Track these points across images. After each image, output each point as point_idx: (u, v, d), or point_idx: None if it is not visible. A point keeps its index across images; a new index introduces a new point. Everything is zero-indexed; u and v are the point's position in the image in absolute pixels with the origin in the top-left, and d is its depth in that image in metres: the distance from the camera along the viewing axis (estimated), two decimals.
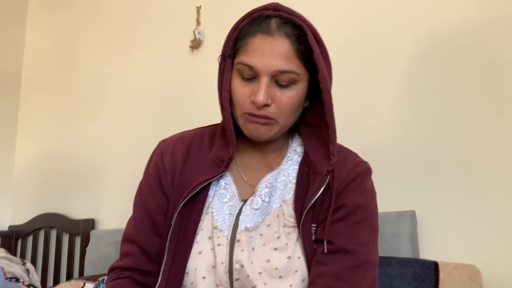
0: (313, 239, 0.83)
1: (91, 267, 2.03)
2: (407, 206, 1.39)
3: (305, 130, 0.92)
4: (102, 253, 2.00)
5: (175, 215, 0.85)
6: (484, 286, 1.20)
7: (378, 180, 0.91)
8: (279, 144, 0.92)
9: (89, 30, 2.51)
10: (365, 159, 0.91)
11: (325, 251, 0.80)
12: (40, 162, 2.59)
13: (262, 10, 0.83)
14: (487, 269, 1.23)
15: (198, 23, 2.03)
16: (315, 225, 0.83)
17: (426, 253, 1.34)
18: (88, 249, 2.09)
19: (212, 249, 0.84)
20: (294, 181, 0.88)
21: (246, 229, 0.85)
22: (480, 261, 1.24)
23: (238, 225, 0.85)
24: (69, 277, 2.22)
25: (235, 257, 0.82)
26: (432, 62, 1.48)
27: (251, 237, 0.84)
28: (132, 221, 0.93)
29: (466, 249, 1.30)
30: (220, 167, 0.88)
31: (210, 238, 0.85)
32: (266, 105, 0.81)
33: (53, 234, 2.38)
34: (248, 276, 0.80)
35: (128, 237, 0.92)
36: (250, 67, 0.81)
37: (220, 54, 0.87)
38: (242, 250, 0.82)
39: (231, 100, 0.86)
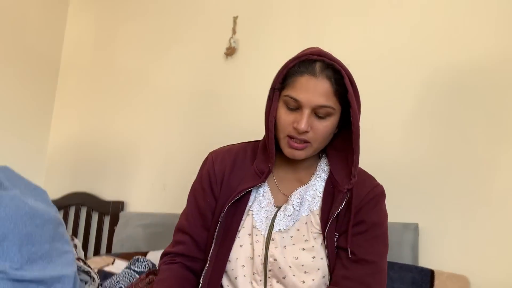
0: (335, 245, 1.02)
1: (119, 245, 2.23)
2: (412, 219, 1.57)
3: (332, 153, 1.12)
4: (130, 233, 2.20)
5: (223, 213, 1.05)
6: None
7: (388, 194, 1.09)
8: (310, 163, 1.12)
9: (129, 25, 2.66)
10: (376, 175, 1.09)
11: (349, 255, 0.98)
12: (73, 144, 2.76)
13: (309, 54, 1.02)
14: (476, 278, 1.42)
15: (234, 32, 2.20)
16: (337, 234, 1.03)
17: (425, 262, 1.52)
18: (117, 228, 2.28)
19: (251, 244, 1.03)
20: (321, 195, 1.07)
21: (280, 230, 1.04)
22: (471, 272, 1.43)
23: (273, 227, 1.04)
24: (97, 253, 2.41)
25: (270, 252, 1.02)
26: (442, 95, 1.65)
27: (283, 237, 1.03)
28: (185, 215, 1.14)
29: (460, 260, 1.48)
30: (261, 178, 1.07)
31: (250, 235, 1.04)
32: (306, 132, 1.00)
33: (83, 212, 2.56)
34: (280, 268, 1.00)
35: (182, 228, 1.13)
36: (295, 100, 1.00)
37: (270, 86, 1.07)
38: (275, 247, 1.02)
39: (274, 124, 1.05)
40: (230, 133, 2.14)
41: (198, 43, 2.34)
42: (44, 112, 2.89)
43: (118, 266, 1.91)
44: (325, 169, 1.12)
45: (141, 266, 1.63)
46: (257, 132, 2.03)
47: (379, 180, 1.11)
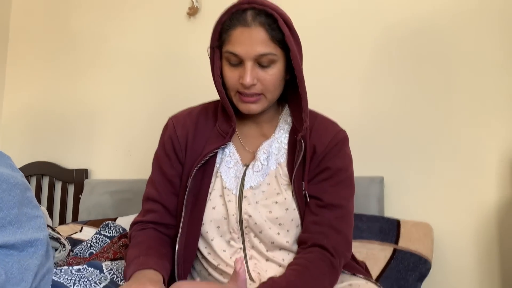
0: (304, 193, 1.03)
1: (85, 213, 2.19)
2: (377, 173, 1.63)
3: (293, 102, 1.10)
4: (97, 201, 2.17)
5: (190, 178, 1.04)
6: (434, 239, 1.47)
7: (353, 149, 1.11)
8: (271, 115, 1.11)
9: None
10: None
11: (320, 201, 1.01)
12: (29, 112, 2.64)
13: (239, 4, 0.99)
14: (438, 225, 1.50)
15: None
16: (304, 182, 1.03)
17: (390, 213, 1.59)
18: (82, 196, 2.24)
19: (223, 204, 1.03)
20: (286, 147, 1.07)
21: (251, 187, 1.04)
22: (433, 219, 1.51)
23: (244, 185, 1.04)
24: (62, 222, 2.36)
25: (243, 209, 1.02)
26: (400, 47, 1.69)
27: (255, 193, 1.04)
28: (152, 184, 1.12)
29: (422, 210, 1.56)
30: (225, 138, 1.06)
31: (221, 196, 1.04)
32: (253, 85, 0.99)
33: (45, 181, 2.49)
34: (255, 223, 1.01)
35: (151, 197, 1.11)
36: (235, 55, 0.98)
37: (209, 45, 1.04)
38: (249, 204, 1.02)
39: (223, 84, 1.04)
40: (194, 95, 2.09)
41: (159, 3, 2.26)
42: None
43: (86, 234, 1.89)
44: (288, 120, 1.11)
45: (112, 231, 1.61)
46: None
47: None
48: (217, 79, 1.03)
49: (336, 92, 1.75)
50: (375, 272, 1.29)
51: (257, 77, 0.99)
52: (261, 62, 0.98)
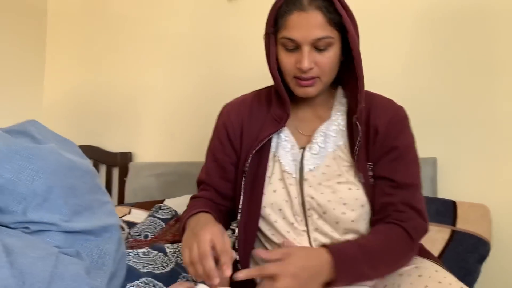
0: (370, 175, 1.03)
1: (131, 195, 2.24)
2: (430, 154, 1.60)
3: (348, 83, 1.10)
4: (143, 183, 2.21)
5: (247, 163, 1.06)
6: (492, 221, 1.45)
7: None
8: (325, 98, 1.12)
9: None
10: None
11: (393, 182, 1.02)
12: (71, 97, 2.69)
13: None
14: (495, 206, 1.48)
15: None
16: (371, 164, 1.04)
17: (444, 194, 1.57)
18: (128, 179, 2.28)
19: (283, 188, 1.05)
20: (344, 129, 1.08)
21: (310, 170, 1.05)
22: (490, 200, 1.48)
23: (303, 167, 1.05)
24: None
25: (305, 192, 1.03)
26: (442, 25, 1.64)
27: (315, 176, 1.05)
28: (205, 170, 1.16)
29: (479, 192, 1.53)
30: (280, 123, 1.08)
31: (281, 179, 1.06)
32: (310, 68, 0.99)
33: None
34: (319, 204, 1.02)
35: (202, 181, 1.16)
36: (292, 40, 0.99)
37: (264, 32, 1.05)
38: (310, 186, 1.04)
39: (278, 69, 1.05)
40: (235, 78, 2.11)
41: None
42: (36, 63, 2.78)
43: (136, 216, 1.94)
44: (342, 101, 1.11)
45: (165, 213, 1.65)
46: (264, 76, 2.00)
47: None
48: (273, 65, 1.04)
49: (381, 73, 1.71)
50: (433, 254, 1.29)
51: (314, 60, 0.99)
52: (318, 46, 0.98)
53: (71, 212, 0.93)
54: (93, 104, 2.59)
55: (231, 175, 1.12)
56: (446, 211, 1.42)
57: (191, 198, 1.17)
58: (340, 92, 1.13)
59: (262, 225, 1.07)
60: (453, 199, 1.50)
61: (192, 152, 2.21)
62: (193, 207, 1.07)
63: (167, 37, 2.34)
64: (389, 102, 1.10)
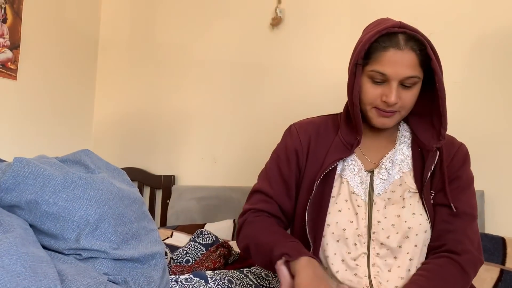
0: (432, 203, 1.08)
1: (174, 218, 2.29)
2: (477, 187, 1.55)
3: (414, 117, 1.16)
4: (185, 206, 2.26)
5: (317, 182, 1.11)
6: None
7: None
8: (391, 131, 1.18)
9: None
10: None
11: (454, 210, 1.06)
12: (119, 120, 2.81)
13: (389, 27, 1.03)
14: None
15: (279, 1, 2.15)
16: (433, 192, 1.09)
17: (491, 229, 1.52)
18: (170, 201, 2.34)
19: (349, 208, 1.09)
20: (410, 158, 1.13)
21: (379, 194, 1.10)
22: None
23: (373, 191, 1.10)
24: None
25: (373, 215, 1.07)
26: (493, 57, 1.60)
27: (383, 199, 1.09)
28: (267, 180, 1.19)
29: None
30: (350, 149, 1.13)
31: (347, 200, 1.10)
32: (395, 103, 1.05)
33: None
34: (383, 229, 1.05)
35: (264, 191, 1.18)
36: (383, 74, 1.03)
37: (352, 62, 1.10)
38: (378, 210, 1.08)
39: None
40: (276, 104, 2.13)
41: (242, 14, 2.31)
42: (87, 90, 2.92)
43: (178, 239, 1.98)
44: (406, 134, 1.17)
45: (206, 238, 1.67)
46: (303, 102, 2.02)
47: None
48: (355, 94, 1.09)
49: None
50: None
51: (400, 96, 1.06)
52: (404, 83, 1.05)
53: (119, 240, 0.97)
54: (139, 129, 2.69)
55: (293, 192, 1.18)
56: (495, 248, 1.37)
57: (246, 211, 1.19)
58: (403, 126, 1.19)
59: (326, 242, 1.10)
60: (501, 235, 1.44)
61: (233, 177, 2.25)
62: (272, 225, 1.13)
63: (210, 64, 2.41)
64: (451, 138, 1.17)
